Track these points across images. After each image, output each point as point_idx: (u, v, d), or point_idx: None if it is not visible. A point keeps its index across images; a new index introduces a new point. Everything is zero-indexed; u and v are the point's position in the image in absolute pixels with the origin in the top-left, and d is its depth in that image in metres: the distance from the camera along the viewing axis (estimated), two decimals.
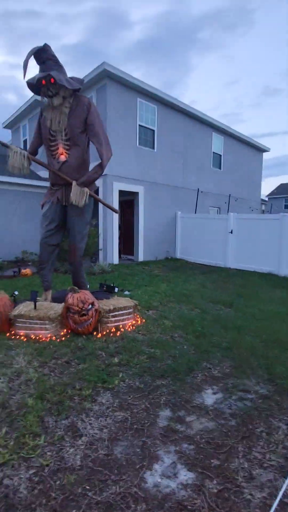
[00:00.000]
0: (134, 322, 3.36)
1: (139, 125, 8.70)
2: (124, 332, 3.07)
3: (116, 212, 3.86)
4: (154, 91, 8.65)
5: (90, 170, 3.54)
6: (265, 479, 1.38)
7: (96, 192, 3.80)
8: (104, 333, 3.04)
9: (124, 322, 3.25)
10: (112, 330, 3.09)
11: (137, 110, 8.58)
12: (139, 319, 3.49)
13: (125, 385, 2.11)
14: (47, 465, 1.42)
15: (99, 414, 1.80)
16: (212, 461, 1.47)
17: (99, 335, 2.98)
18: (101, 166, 3.37)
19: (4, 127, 12.48)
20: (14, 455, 1.45)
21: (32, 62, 3.26)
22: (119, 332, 3.07)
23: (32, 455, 1.47)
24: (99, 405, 1.88)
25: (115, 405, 1.89)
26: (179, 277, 6.69)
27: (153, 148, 9.27)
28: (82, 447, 1.54)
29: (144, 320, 3.49)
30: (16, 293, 3.74)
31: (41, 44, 3.24)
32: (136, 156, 8.76)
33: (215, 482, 1.35)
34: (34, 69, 3.33)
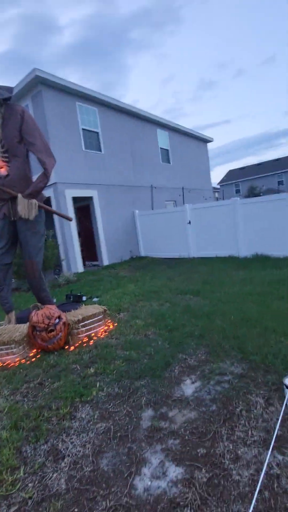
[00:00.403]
0: (106, 327, 3.30)
1: (82, 128, 8.56)
2: (97, 340, 3.00)
3: (69, 219, 3.75)
4: (92, 94, 8.56)
5: (34, 180, 3.39)
6: (250, 456, 1.42)
7: (46, 202, 3.66)
8: (77, 344, 2.94)
9: (96, 330, 3.17)
10: (84, 340, 3.00)
11: (78, 114, 8.42)
12: (110, 323, 3.43)
13: (103, 394, 2.05)
14: (30, 498, 1.32)
15: (80, 430, 1.72)
16: (198, 450, 1.48)
17: (72, 347, 2.88)
18: (45, 175, 3.24)
19: None
20: None
21: None
22: (92, 341, 2.99)
23: (12, 491, 1.36)
24: (79, 421, 1.80)
25: (95, 417, 1.82)
26: (146, 274, 6.71)
27: (100, 150, 9.19)
28: (66, 469, 1.47)
29: (116, 324, 3.44)
30: None
31: None
32: (84, 160, 8.61)
33: (203, 471, 1.36)
34: None
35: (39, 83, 7.44)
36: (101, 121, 9.19)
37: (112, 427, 1.72)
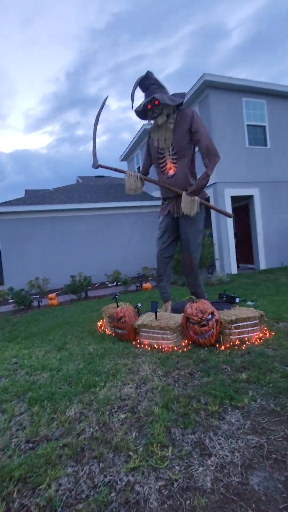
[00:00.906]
0: (261, 335, 3.00)
1: (247, 124, 8.20)
2: (250, 346, 2.77)
3: (229, 216, 3.65)
4: (260, 85, 8.05)
5: (198, 178, 3.50)
6: None
7: (207, 200, 3.71)
8: (228, 345, 2.82)
9: (249, 335, 2.94)
10: (236, 343, 2.84)
11: (243, 110, 8.14)
12: (267, 332, 3.08)
13: (257, 405, 1.85)
14: (176, 480, 1.35)
15: (228, 434, 1.62)
16: None
17: (222, 347, 2.79)
18: (208, 172, 3.29)
19: (121, 161, 14.22)
20: (143, 462, 1.46)
21: (139, 92, 3.58)
22: (244, 345, 2.79)
23: (161, 466, 1.43)
24: (228, 425, 1.69)
25: (246, 427, 1.66)
26: None
27: (266, 145, 8.50)
28: (212, 468, 1.40)
29: (273, 333, 3.06)
30: (139, 305, 3.98)
31: (143, 73, 3.53)
32: (247, 157, 8.23)
33: None
34: (140, 98, 3.63)
35: (206, 87, 7.71)
36: (269, 113, 8.49)
37: (266, 445, 1.51)
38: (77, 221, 9.45)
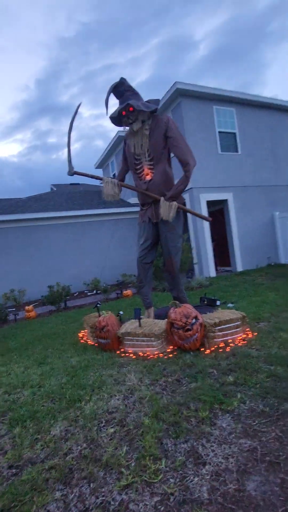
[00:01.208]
0: (244, 336, 3.03)
1: (219, 131, 8.47)
2: (234, 348, 2.79)
3: (208, 220, 3.70)
4: (230, 94, 8.37)
5: (176, 183, 3.53)
6: None
7: (184, 205, 3.75)
8: (213, 348, 2.82)
9: (233, 337, 2.96)
10: (220, 346, 2.85)
11: (215, 118, 8.41)
12: (249, 332, 3.13)
13: (246, 407, 1.84)
14: (171, 494, 1.30)
15: (221, 440, 1.59)
16: None
17: (207, 351, 2.78)
18: (186, 177, 3.32)
19: (96, 168, 14.15)
20: (137, 478, 1.39)
21: (113, 99, 3.57)
22: (228, 347, 2.80)
23: (155, 480, 1.37)
24: (220, 430, 1.67)
25: (238, 430, 1.65)
26: None
27: (237, 151, 8.82)
28: (208, 477, 1.37)
29: (255, 334, 3.11)
30: (121, 313, 3.91)
31: (116, 79, 3.53)
32: (219, 163, 8.49)
33: None
34: (114, 105, 3.61)
35: (178, 95, 7.89)
36: (239, 121, 8.84)
37: (259, 448, 1.50)
38: (52, 229, 9.22)
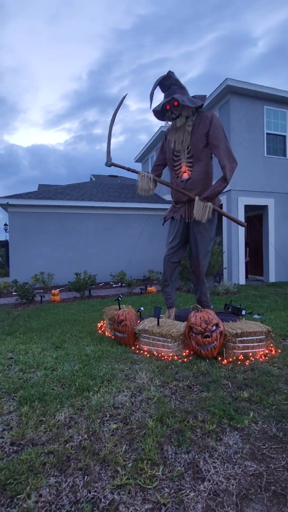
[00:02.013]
0: (267, 351, 2.86)
1: (267, 133, 8.05)
2: (254, 362, 2.64)
3: (243, 225, 3.52)
4: (283, 94, 7.89)
5: (213, 184, 3.40)
6: None
7: (220, 207, 3.60)
8: (230, 359, 2.69)
9: (254, 350, 2.81)
10: (239, 358, 2.71)
11: (264, 118, 7.99)
12: (273, 348, 2.95)
13: (257, 428, 1.73)
14: (164, 505, 1.24)
15: (225, 458, 1.50)
16: None
17: (225, 361, 2.66)
18: (224, 179, 3.18)
19: (135, 162, 14.19)
20: (131, 480, 1.36)
21: (159, 92, 3.50)
22: (248, 361, 2.66)
23: (150, 486, 1.33)
24: (225, 447, 1.58)
25: (245, 451, 1.54)
26: None
27: (285, 155, 8.33)
28: (205, 494, 1.29)
29: (280, 351, 2.92)
30: (142, 309, 3.89)
31: (164, 73, 3.45)
32: (264, 166, 8.08)
33: None
34: (160, 99, 3.55)
35: (228, 92, 7.60)
36: None
37: (265, 474, 1.39)
38: (86, 218, 9.43)
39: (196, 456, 1.51)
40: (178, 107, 3.29)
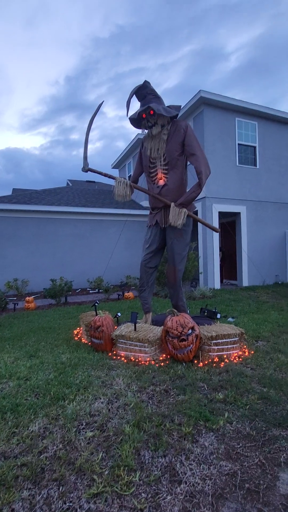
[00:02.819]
0: (240, 353, 2.95)
1: (238, 143, 8.40)
2: (229, 364, 2.71)
3: (216, 231, 3.64)
4: (253, 107, 8.29)
5: (188, 190, 3.49)
6: None
7: (195, 213, 3.70)
8: (206, 362, 2.75)
9: (228, 352, 2.89)
10: (215, 360, 2.77)
11: (236, 129, 8.35)
12: (246, 350, 3.04)
13: (232, 428, 1.77)
14: (141, 510, 1.24)
15: (201, 459, 1.53)
16: None
17: (200, 364, 2.71)
18: (199, 185, 3.28)
19: (112, 168, 14.23)
20: (107, 488, 1.34)
21: (135, 101, 3.56)
22: (223, 363, 2.73)
23: (126, 493, 1.32)
24: (201, 448, 1.60)
25: (220, 451, 1.58)
26: None
27: (255, 165, 8.72)
28: (181, 497, 1.30)
29: (252, 352, 3.02)
30: (119, 314, 3.87)
31: (141, 82, 3.52)
32: (236, 175, 8.41)
33: None
34: (136, 107, 3.60)
35: (202, 104, 7.87)
36: (260, 135, 8.75)
37: (239, 472, 1.43)
38: (63, 224, 9.28)
39: (173, 459, 1.52)
40: (154, 116, 3.36)
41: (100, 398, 2.13)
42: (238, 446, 1.62)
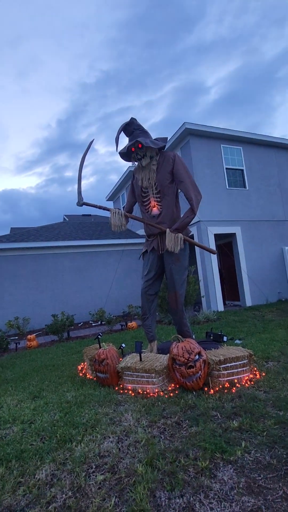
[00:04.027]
0: (251, 376, 2.85)
1: (226, 168, 8.73)
2: (240, 388, 2.61)
3: (213, 252, 3.67)
4: (237, 134, 8.73)
5: (182, 216, 3.57)
6: None
7: (191, 237, 3.75)
8: (217, 388, 2.64)
9: (239, 376, 2.79)
10: (225, 386, 2.67)
11: (222, 155, 8.71)
12: (257, 372, 2.94)
13: (251, 458, 1.67)
14: None
15: (221, 496, 1.42)
16: None
17: (211, 391, 2.61)
18: (192, 210, 3.36)
19: (107, 200, 14.62)
20: None
21: (123, 137, 3.76)
22: (234, 388, 2.62)
23: None
24: (220, 483, 1.50)
25: (241, 485, 1.47)
26: None
27: (244, 187, 9.00)
28: None
29: (264, 374, 2.92)
30: (124, 345, 3.78)
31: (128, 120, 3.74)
32: (227, 198, 8.64)
33: None
34: (125, 142, 3.79)
35: (188, 134, 8.28)
36: (246, 158, 9.12)
37: (263, 508, 1.33)
38: (60, 258, 9.33)
39: (191, 498, 1.42)
40: (142, 149, 3.52)
41: (109, 437, 2.02)
42: (259, 478, 1.52)
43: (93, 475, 1.65)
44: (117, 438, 2.00)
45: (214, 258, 8.20)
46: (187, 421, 2.15)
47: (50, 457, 1.83)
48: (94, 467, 1.72)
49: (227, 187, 8.69)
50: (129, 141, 3.70)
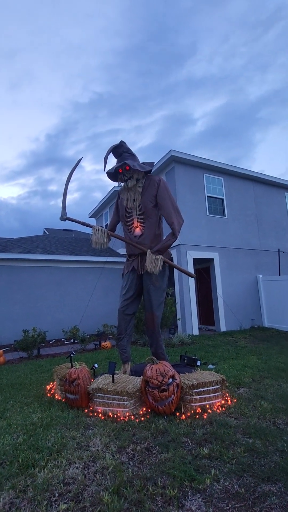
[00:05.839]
0: (223, 401, 2.85)
1: (208, 196, 9.10)
2: (212, 414, 2.60)
3: (191, 276, 3.74)
4: (219, 165, 9.20)
5: (164, 238, 3.65)
6: None
7: (171, 260, 3.82)
8: (189, 414, 2.61)
9: (211, 402, 2.78)
10: (197, 411, 2.65)
11: (204, 183, 9.10)
12: (228, 398, 2.95)
13: (219, 487, 1.65)
14: None
15: None
16: None
17: (183, 416, 2.57)
18: (173, 234, 3.45)
19: (90, 217, 14.64)
20: None
21: (111, 158, 3.86)
22: (206, 413, 2.61)
23: None
24: None
25: None
26: (272, 348, 5.77)
27: (224, 215, 9.38)
28: None
29: (235, 400, 2.93)
30: (96, 366, 3.68)
31: (117, 141, 3.87)
32: (207, 224, 8.94)
33: None
34: (112, 163, 3.89)
35: (173, 161, 8.62)
36: (226, 188, 9.58)
37: None
38: (38, 272, 9.10)
39: None
40: (129, 171, 3.63)
41: (75, 463, 1.93)
42: (227, 507, 1.49)
43: (56, 503, 1.56)
44: (83, 464, 1.91)
45: (192, 281, 8.33)
46: (157, 447, 2.10)
47: (10, 484, 1.71)
48: (57, 495, 1.62)
49: (208, 214, 9.02)
50: (117, 162, 3.80)
